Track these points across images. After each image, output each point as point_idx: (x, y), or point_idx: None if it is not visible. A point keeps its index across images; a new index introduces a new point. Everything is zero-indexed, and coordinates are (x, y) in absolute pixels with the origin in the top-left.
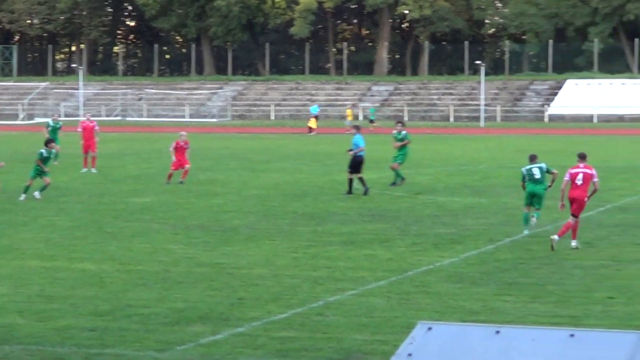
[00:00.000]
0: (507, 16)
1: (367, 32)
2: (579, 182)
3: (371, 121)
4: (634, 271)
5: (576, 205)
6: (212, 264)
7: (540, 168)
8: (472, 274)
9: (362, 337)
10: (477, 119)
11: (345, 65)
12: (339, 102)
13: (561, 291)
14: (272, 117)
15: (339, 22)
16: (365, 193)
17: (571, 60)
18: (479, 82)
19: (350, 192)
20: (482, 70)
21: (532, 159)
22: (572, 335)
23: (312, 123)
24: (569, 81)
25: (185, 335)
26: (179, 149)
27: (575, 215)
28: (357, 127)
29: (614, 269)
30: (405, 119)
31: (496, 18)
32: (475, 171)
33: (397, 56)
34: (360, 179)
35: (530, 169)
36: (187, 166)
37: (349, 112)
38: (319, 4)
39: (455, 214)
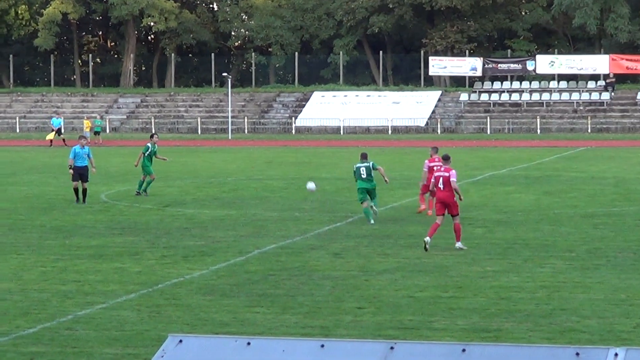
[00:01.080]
0: (253, 28)
1: (113, 43)
2: (441, 186)
3: (96, 133)
4: (382, 281)
5: (446, 207)
6: None
7: (367, 167)
8: (223, 285)
9: (113, 350)
10: (225, 131)
11: (91, 77)
12: (86, 114)
13: (311, 302)
14: (18, 130)
15: (84, 33)
16: (77, 202)
17: (317, 73)
18: (226, 94)
19: (78, 200)
20: (229, 82)
21: (363, 157)
22: (322, 346)
23: (51, 136)
24: (315, 93)
25: None
26: None
27: (452, 215)
28: (83, 137)
29: (363, 279)
30: (153, 131)
31: (242, 30)
32: (223, 183)
33: (144, 68)
34: (83, 190)
35: (358, 168)
36: None
37: (86, 123)
38: (63, 15)
39: (204, 226)
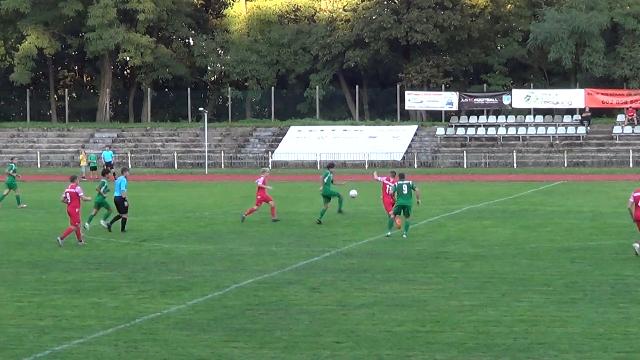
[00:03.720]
0: (229, 63)
1: (89, 78)
2: None
3: (93, 169)
4: (360, 316)
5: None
6: None
7: (408, 184)
8: (200, 320)
9: None
10: (202, 165)
11: (67, 111)
12: (62, 149)
13: (289, 337)
14: None
15: (60, 68)
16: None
17: (293, 107)
18: (203, 129)
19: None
20: (205, 116)
21: (402, 177)
22: None
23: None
24: (292, 127)
25: None
26: None
27: None
28: (124, 170)
29: (340, 313)
30: (130, 166)
31: (218, 65)
32: (200, 217)
33: (120, 103)
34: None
35: (400, 185)
36: None
37: (82, 157)
38: (39, 50)
39: (181, 260)
